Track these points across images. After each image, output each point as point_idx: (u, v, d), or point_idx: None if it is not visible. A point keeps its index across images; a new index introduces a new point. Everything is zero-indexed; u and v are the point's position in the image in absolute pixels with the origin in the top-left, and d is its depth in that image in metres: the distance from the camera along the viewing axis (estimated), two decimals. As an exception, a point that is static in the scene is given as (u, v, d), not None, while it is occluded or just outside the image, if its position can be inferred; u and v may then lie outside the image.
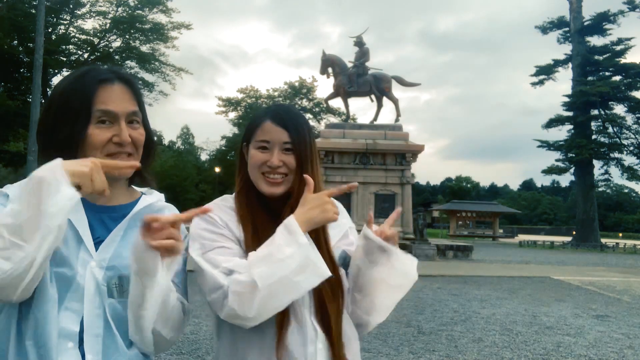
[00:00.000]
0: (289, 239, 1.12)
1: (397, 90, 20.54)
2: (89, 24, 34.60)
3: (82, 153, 1.11)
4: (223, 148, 41.80)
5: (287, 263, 1.09)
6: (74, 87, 1.14)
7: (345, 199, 15.65)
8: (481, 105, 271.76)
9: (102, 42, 28.04)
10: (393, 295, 1.31)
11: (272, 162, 1.26)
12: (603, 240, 34.10)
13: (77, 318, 1.06)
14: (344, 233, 1.39)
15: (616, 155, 34.37)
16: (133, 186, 1.30)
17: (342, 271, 1.31)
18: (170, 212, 1.30)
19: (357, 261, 1.30)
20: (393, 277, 1.28)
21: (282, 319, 1.18)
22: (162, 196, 1.31)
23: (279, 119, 1.29)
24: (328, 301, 1.23)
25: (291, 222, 1.14)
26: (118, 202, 1.22)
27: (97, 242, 1.13)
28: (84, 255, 1.10)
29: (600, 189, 48.39)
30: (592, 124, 34.84)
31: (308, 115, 40.50)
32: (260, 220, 1.28)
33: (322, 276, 1.13)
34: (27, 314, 1.05)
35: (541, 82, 37.79)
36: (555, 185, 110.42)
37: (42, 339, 1.03)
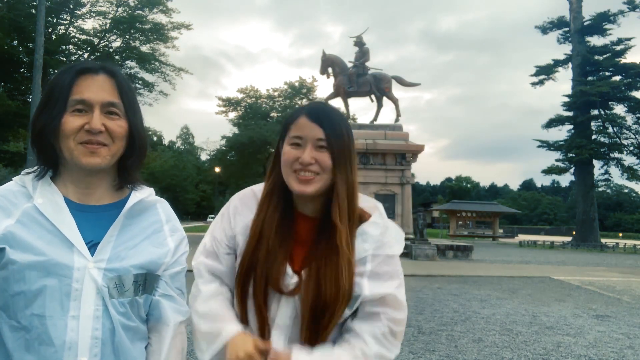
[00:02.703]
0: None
1: (398, 90, 20.57)
2: (89, 24, 34.73)
3: (58, 141, 1.12)
4: (223, 148, 41.75)
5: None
6: (57, 78, 1.16)
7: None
8: (483, 105, 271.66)
9: (102, 42, 28.04)
10: None
11: (304, 159, 1.21)
12: (603, 240, 34.09)
13: (77, 323, 1.06)
14: (361, 258, 1.27)
15: (616, 155, 34.32)
16: (123, 184, 1.26)
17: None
18: (162, 206, 1.29)
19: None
20: None
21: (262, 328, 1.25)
22: (152, 190, 1.29)
23: (314, 115, 1.24)
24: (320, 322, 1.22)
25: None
26: (105, 201, 1.20)
27: (91, 245, 1.11)
28: (80, 259, 1.08)
29: (600, 189, 48.35)
30: (592, 124, 34.80)
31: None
32: (268, 236, 1.26)
33: None
34: (25, 331, 1.04)
35: (541, 82, 37.78)
36: (555, 185, 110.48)
37: (48, 353, 1.03)
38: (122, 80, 1.18)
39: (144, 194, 1.24)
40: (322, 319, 1.20)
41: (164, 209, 1.29)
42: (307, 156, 1.21)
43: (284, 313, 1.24)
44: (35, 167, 1.18)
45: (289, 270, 1.24)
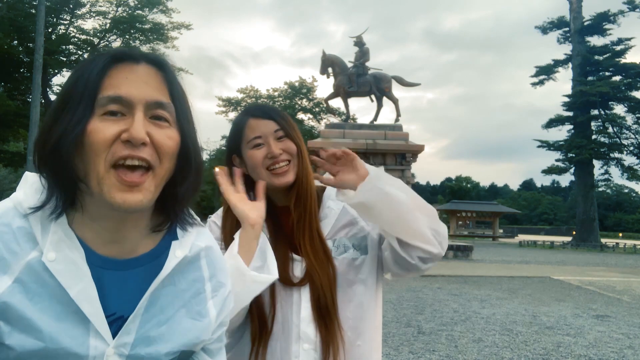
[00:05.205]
0: (228, 254, 1.14)
1: (399, 89, 20.58)
2: (89, 24, 34.72)
3: (80, 159, 0.74)
4: (223, 148, 41.88)
5: None
6: (82, 69, 0.78)
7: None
8: (485, 105, 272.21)
9: (102, 42, 28.06)
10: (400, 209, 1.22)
11: (273, 152, 1.24)
12: (603, 240, 34.14)
13: None
14: (341, 213, 1.35)
15: (616, 155, 34.41)
16: (166, 222, 0.87)
17: (358, 257, 1.31)
18: (208, 255, 0.91)
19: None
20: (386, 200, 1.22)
21: (264, 323, 1.21)
22: (198, 233, 0.90)
23: (260, 113, 1.29)
24: (324, 295, 1.23)
25: (234, 241, 1.17)
26: (137, 252, 0.83)
27: (113, 320, 0.77)
28: (97, 344, 0.75)
29: (600, 189, 48.39)
30: (592, 124, 34.87)
31: (308, 115, 40.48)
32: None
33: (263, 282, 1.11)
34: None
35: (541, 82, 37.87)
36: (555, 185, 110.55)
37: None
38: (172, 75, 0.82)
39: (187, 244, 0.86)
40: (329, 292, 1.23)
41: (209, 259, 0.91)
42: (275, 148, 1.25)
43: (306, 307, 1.23)
44: (42, 194, 0.78)
45: (295, 256, 1.27)
